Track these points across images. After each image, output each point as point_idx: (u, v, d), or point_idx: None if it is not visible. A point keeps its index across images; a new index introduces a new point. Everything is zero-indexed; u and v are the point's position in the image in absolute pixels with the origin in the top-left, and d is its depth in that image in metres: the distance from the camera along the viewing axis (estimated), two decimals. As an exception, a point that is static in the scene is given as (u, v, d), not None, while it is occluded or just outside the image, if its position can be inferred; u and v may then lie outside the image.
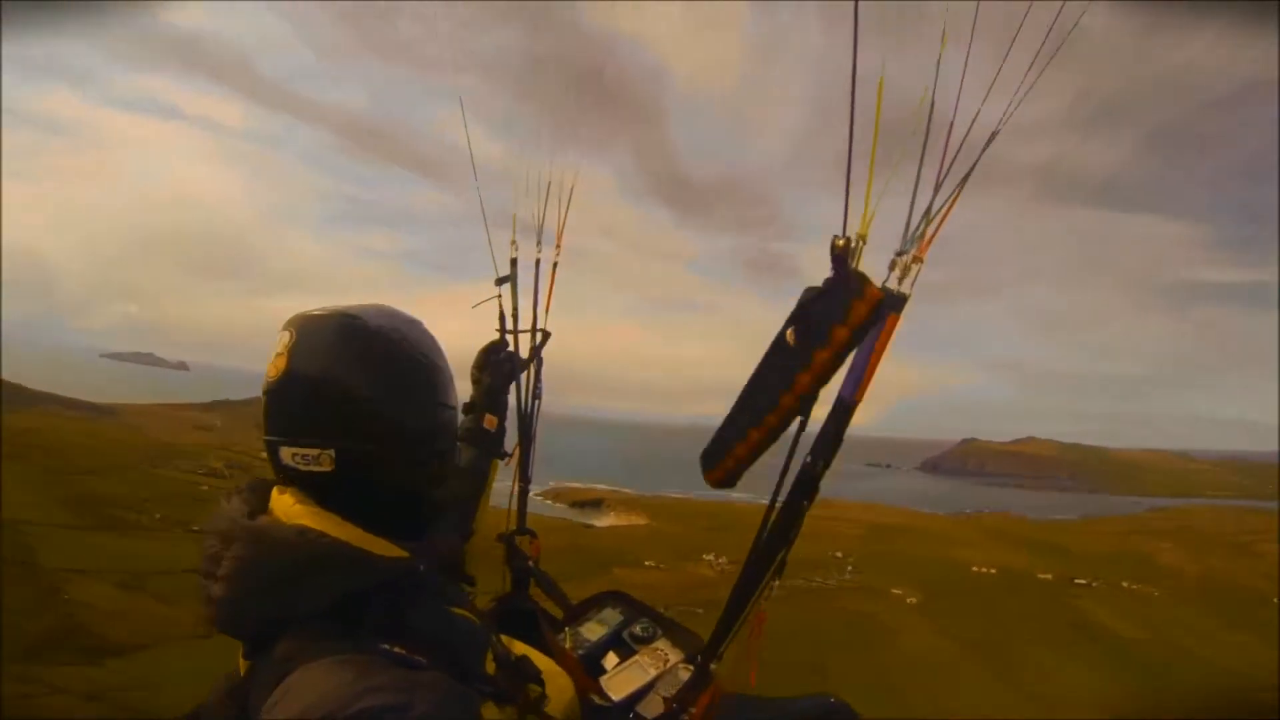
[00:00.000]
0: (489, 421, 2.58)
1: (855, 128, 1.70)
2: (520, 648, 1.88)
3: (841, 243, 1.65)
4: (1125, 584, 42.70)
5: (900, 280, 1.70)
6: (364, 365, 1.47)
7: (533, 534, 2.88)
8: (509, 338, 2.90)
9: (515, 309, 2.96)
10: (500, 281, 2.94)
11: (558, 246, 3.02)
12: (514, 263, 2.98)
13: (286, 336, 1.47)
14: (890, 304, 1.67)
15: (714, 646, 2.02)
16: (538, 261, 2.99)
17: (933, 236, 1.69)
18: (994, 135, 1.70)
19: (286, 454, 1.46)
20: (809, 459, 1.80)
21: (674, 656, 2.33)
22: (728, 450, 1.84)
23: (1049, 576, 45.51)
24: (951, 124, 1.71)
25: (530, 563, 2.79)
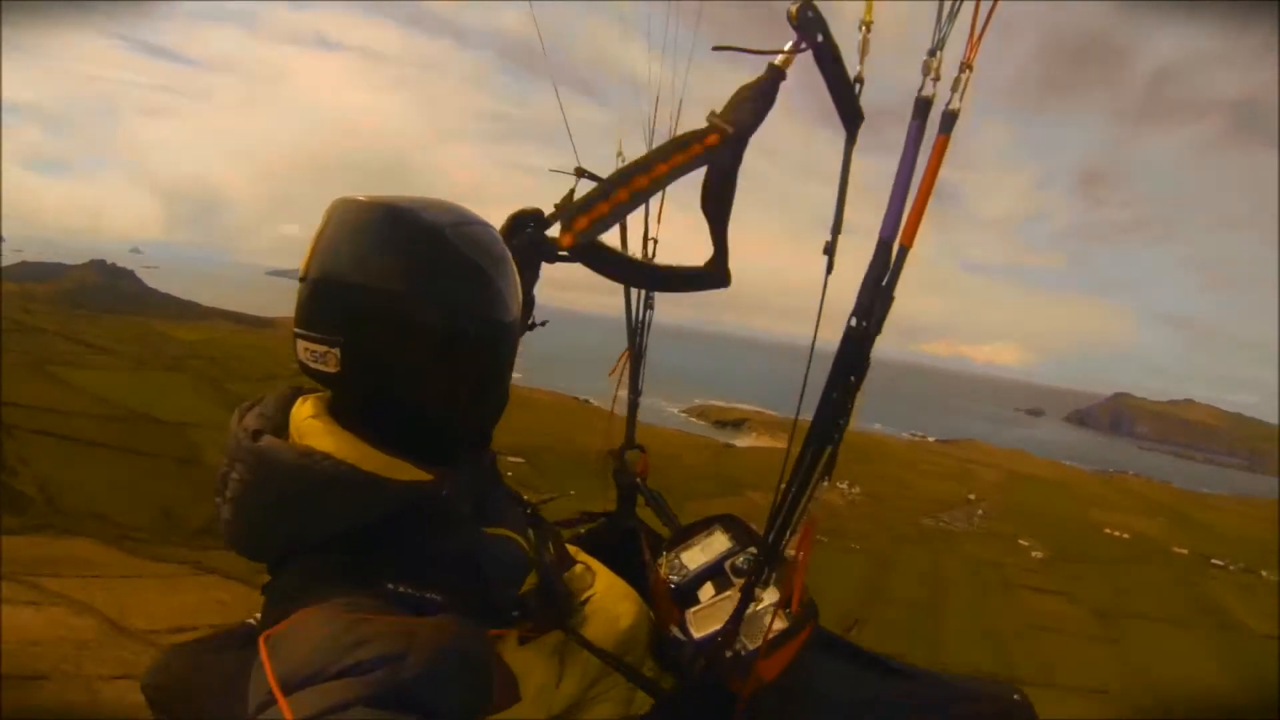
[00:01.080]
0: None
1: None
2: (594, 565, 1.80)
3: (795, 9, 1.34)
4: (1264, 573, 41.04)
5: (940, 88, 1.38)
6: (385, 254, 1.26)
7: (642, 449, 2.66)
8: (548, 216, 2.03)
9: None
10: (581, 173, 2.21)
11: None
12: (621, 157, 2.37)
13: (320, 223, 1.31)
14: (943, 124, 1.36)
15: (759, 568, 1.77)
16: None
17: (982, 33, 1.32)
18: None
19: (301, 347, 1.30)
20: (853, 320, 1.42)
21: (770, 596, 1.89)
22: (587, 208, 1.48)
23: (1184, 551, 43.97)
24: None
25: (638, 480, 2.61)
